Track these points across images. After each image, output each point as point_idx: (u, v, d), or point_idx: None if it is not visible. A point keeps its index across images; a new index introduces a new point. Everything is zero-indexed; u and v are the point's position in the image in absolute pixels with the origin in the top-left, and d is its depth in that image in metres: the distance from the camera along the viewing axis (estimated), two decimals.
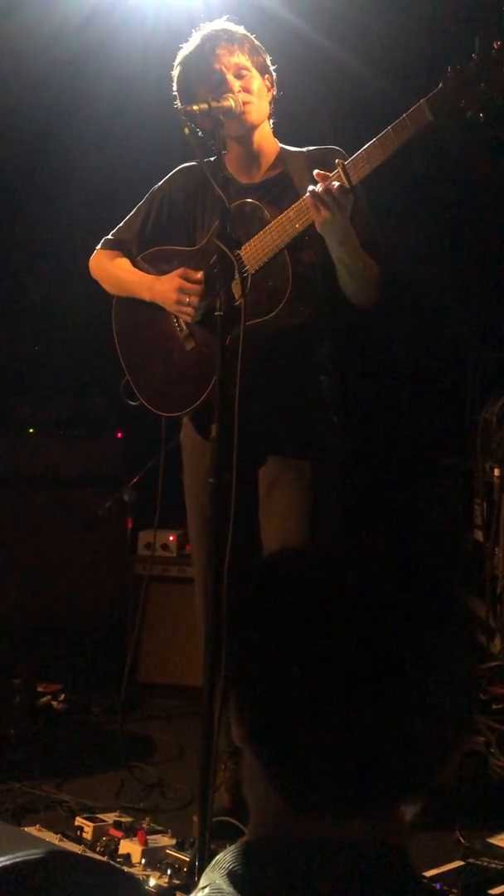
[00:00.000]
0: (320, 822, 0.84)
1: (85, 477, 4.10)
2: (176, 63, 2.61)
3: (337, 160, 2.35)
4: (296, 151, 2.64)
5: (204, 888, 0.85)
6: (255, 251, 2.48)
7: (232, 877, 0.84)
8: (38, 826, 2.62)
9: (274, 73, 2.62)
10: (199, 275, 2.58)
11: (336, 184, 2.31)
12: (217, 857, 0.88)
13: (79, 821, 2.58)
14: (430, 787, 0.87)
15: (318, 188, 2.31)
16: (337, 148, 2.53)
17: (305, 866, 0.82)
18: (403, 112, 2.27)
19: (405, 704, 0.82)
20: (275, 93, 2.63)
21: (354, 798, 0.83)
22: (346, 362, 2.86)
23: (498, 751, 3.16)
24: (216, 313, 2.30)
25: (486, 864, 2.47)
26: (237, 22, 2.62)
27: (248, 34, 2.60)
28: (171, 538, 3.86)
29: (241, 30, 2.60)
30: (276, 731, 0.84)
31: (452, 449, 4.33)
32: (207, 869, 0.87)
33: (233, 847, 0.87)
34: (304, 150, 2.64)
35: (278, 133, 2.67)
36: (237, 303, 2.40)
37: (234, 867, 0.85)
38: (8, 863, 1.25)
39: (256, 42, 2.60)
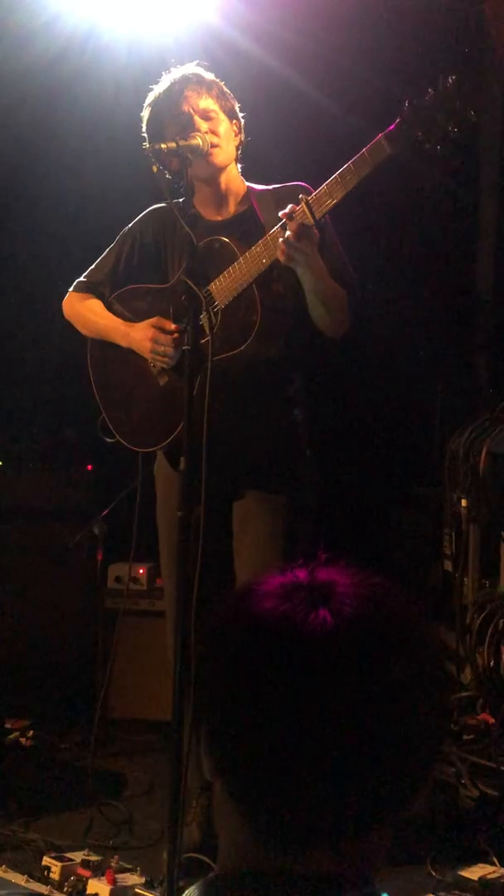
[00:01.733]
0: (289, 853, 0.84)
1: (55, 510, 4.08)
2: (146, 104, 2.66)
3: (301, 195, 2.40)
4: (262, 189, 2.69)
5: None
6: (224, 286, 2.51)
7: None
8: (3, 867, 2.57)
9: (242, 120, 2.68)
10: (174, 326, 2.61)
11: (298, 223, 2.34)
12: (187, 892, 0.88)
13: (46, 860, 2.55)
14: (400, 817, 0.87)
15: (289, 235, 2.34)
16: (302, 184, 2.57)
17: None
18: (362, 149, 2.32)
19: (373, 735, 0.82)
20: (242, 138, 2.68)
21: (323, 829, 0.83)
22: (318, 395, 2.89)
23: (469, 782, 3.16)
24: (184, 347, 2.33)
25: None
26: (207, 67, 2.67)
27: (218, 80, 2.66)
28: (141, 571, 3.84)
29: (210, 75, 2.66)
30: (245, 763, 0.84)
31: (422, 479, 4.36)
32: None
33: (201, 881, 0.87)
34: (271, 187, 2.68)
35: (246, 166, 2.72)
36: (205, 339, 2.43)
37: None
38: None
39: (225, 88, 2.66)
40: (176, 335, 2.58)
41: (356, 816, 0.84)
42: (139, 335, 2.66)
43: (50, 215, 4.23)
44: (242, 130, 2.67)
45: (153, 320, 2.65)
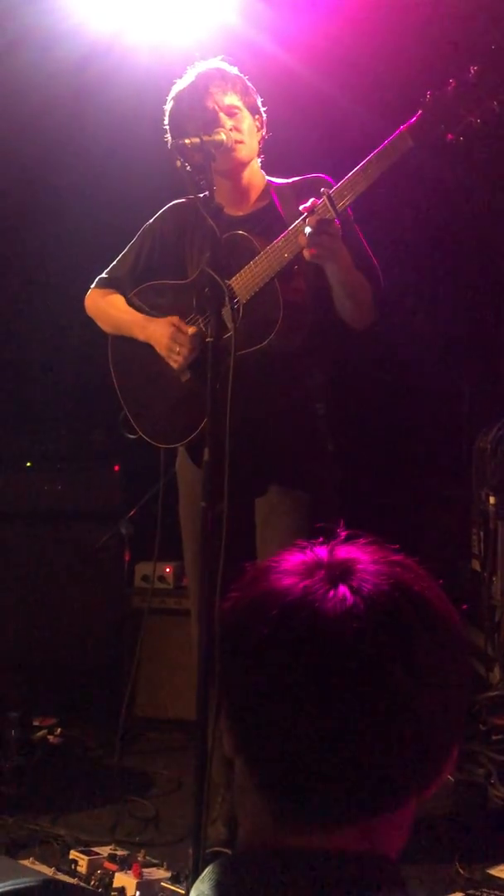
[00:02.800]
0: (309, 832, 0.84)
1: (82, 510, 4.10)
2: (169, 98, 2.67)
3: (322, 189, 2.39)
4: (282, 183, 2.69)
5: None
6: (246, 281, 2.51)
7: (219, 887, 0.84)
8: (31, 860, 2.59)
9: (264, 115, 2.68)
10: (192, 330, 2.62)
11: (320, 217, 2.34)
12: (206, 870, 0.87)
13: (73, 854, 2.56)
14: (425, 796, 0.86)
15: (308, 230, 2.34)
16: (323, 177, 2.57)
17: (292, 877, 0.82)
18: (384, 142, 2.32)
19: (395, 712, 0.82)
20: (264, 133, 2.68)
21: (341, 808, 0.83)
22: (344, 393, 2.88)
23: (498, 782, 3.13)
24: (207, 339, 2.33)
25: (485, 895, 2.44)
26: (231, 63, 2.68)
27: (241, 75, 2.66)
28: (168, 570, 3.85)
29: (234, 70, 2.66)
30: (264, 740, 0.84)
31: (449, 478, 4.33)
32: (197, 881, 0.87)
33: (221, 859, 0.87)
34: (291, 181, 2.68)
35: (267, 163, 2.72)
36: (227, 335, 2.43)
37: (221, 879, 0.84)
38: (2, 890, 1.24)
39: (248, 83, 2.66)
40: (193, 334, 2.59)
41: (378, 794, 0.83)
42: (158, 330, 2.67)
43: (74, 216, 4.26)
44: (265, 125, 2.68)
45: (173, 319, 2.66)
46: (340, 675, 0.81)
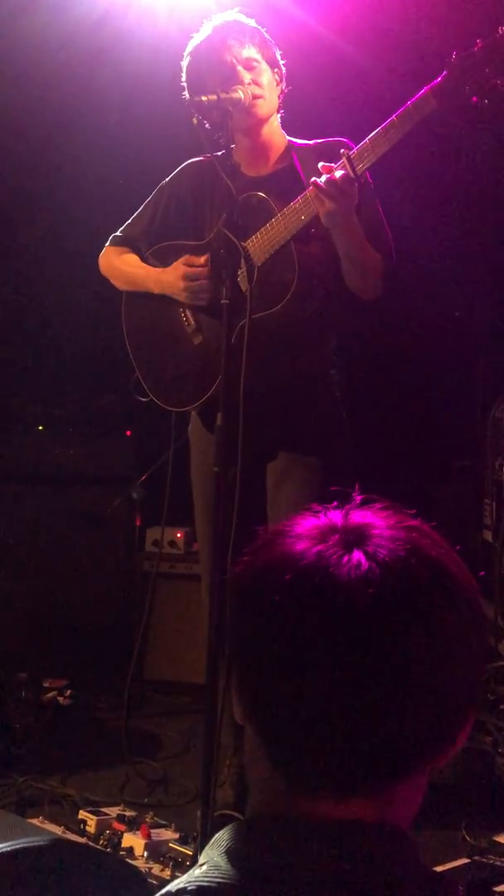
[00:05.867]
0: (321, 801, 0.83)
1: (94, 474, 4.10)
2: (186, 53, 2.61)
3: (342, 150, 2.35)
4: (303, 144, 2.64)
5: (202, 865, 0.84)
6: (261, 243, 2.48)
7: (230, 853, 0.83)
8: (41, 819, 2.62)
9: (283, 68, 2.63)
10: (203, 258, 2.57)
11: (340, 173, 2.31)
12: (216, 835, 0.87)
13: (82, 814, 2.58)
14: (437, 763, 0.85)
15: (321, 179, 2.31)
16: (345, 140, 2.52)
17: (304, 846, 0.81)
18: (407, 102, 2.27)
19: (409, 678, 0.80)
20: (283, 87, 2.63)
21: (353, 776, 0.82)
22: (356, 361, 2.85)
23: None
24: (222, 301, 2.30)
25: (491, 861, 2.45)
26: (248, 15, 2.62)
27: (259, 27, 2.61)
28: (179, 535, 3.85)
29: (251, 22, 2.60)
30: (276, 706, 0.82)
31: (463, 448, 4.31)
32: (207, 846, 0.86)
33: (232, 825, 0.86)
34: (312, 143, 2.64)
35: (287, 126, 2.67)
36: (243, 296, 2.40)
37: (232, 844, 0.84)
38: (9, 849, 1.24)
39: (266, 35, 2.61)
40: (207, 268, 2.54)
41: (392, 762, 0.82)
42: (171, 276, 2.63)
43: (90, 177, 4.23)
44: (284, 79, 2.62)
45: (183, 258, 2.61)
46: (355, 641, 0.80)
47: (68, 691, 3.42)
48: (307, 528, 0.87)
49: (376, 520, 0.87)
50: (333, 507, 0.90)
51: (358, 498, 0.91)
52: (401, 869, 0.81)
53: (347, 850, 0.81)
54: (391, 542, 0.84)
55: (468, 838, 2.60)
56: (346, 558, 0.83)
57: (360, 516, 0.88)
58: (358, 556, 0.83)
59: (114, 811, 2.60)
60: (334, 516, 0.88)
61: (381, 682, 0.80)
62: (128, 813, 2.58)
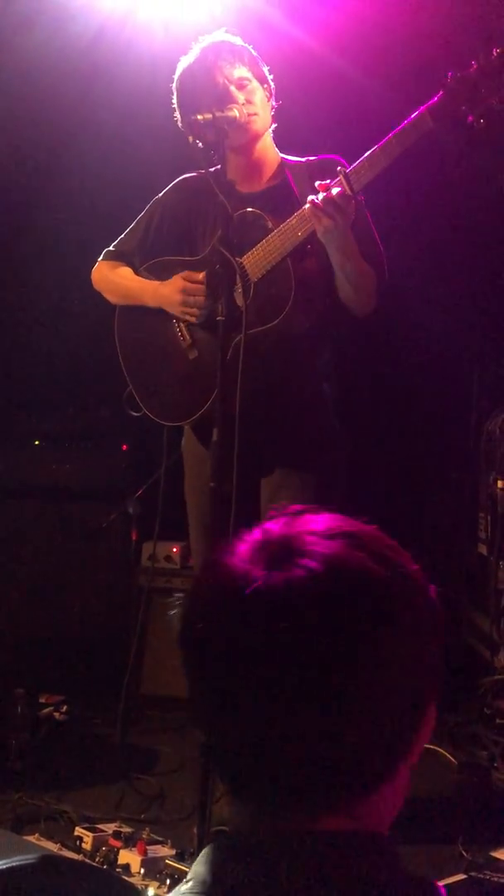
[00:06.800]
0: (294, 819, 0.83)
1: (89, 489, 4.10)
2: (177, 75, 2.64)
3: (339, 167, 2.37)
4: (296, 161, 2.66)
5: (188, 881, 0.85)
6: (257, 259, 2.49)
7: (214, 869, 0.84)
8: (36, 835, 2.60)
9: (272, 83, 2.65)
10: (202, 275, 2.59)
11: (337, 190, 2.32)
12: (203, 850, 0.87)
13: (78, 831, 2.57)
14: (407, 762, 0.85)
15: (318, 198, 2.32)
16: (338, 158, 2.54)
17: (282, 858, 0.81)
18: (404, 121, 2.29)
19: (346, 690, 0.80)
20: (274, 103, 2.65)
21: (316, 797, 0.83)
22: (350, 374, 2.87)
23: (501, 764, 3.13)
24: (218, 318, 2.31)
25: (488, 877, 2.44)
26: (235, 33, 2.64)
27: (247, 45, 2.63)
28: (175, 550, 3.85)
29: (239, 41, 2.63)
30: (223, 741, 0.83)
31: (457, 462, 4.32)
32: (194, 863, 0.87)
33: (216, 840, 0.87)
34: (305, 160, 2.66)
35: (280, 143, 2.69)
36: (238, 313, 2.41)
37: (216, 860, 0.84)
38: (4, 866, 1.23)
39: (255, 53, 2.63)
40: (205, 286, 2.55)
41: (351, 779, 0.82)
42: (168, 290, 2.64)
43: (84, 193, 4.24)
44: (274, 95, 2.64)
45: (182, 273, 2.63)
46: (280, 665, 0.79)
47: (64, 707, 3.41)
48: (241, 548, 0.86)
49: (314, 526, 0.85)
50: (274, 516, 0.89)
51: (296, 507, 0.89)
52: (377, 874, 0.82)
53: (323, 860, 0.81)
54: (322, 556, 0.82)
55: (465, 854, 2.60)
56: (270, 579, 0.82)
57: (297, 526, 0.86)
58: (279, 577, 0.81)
59: (110, 827, 2.59)
60: (272, 528, 0.87)
61: (310, 707, 0.79)
62: (124, 829, 2.57)
